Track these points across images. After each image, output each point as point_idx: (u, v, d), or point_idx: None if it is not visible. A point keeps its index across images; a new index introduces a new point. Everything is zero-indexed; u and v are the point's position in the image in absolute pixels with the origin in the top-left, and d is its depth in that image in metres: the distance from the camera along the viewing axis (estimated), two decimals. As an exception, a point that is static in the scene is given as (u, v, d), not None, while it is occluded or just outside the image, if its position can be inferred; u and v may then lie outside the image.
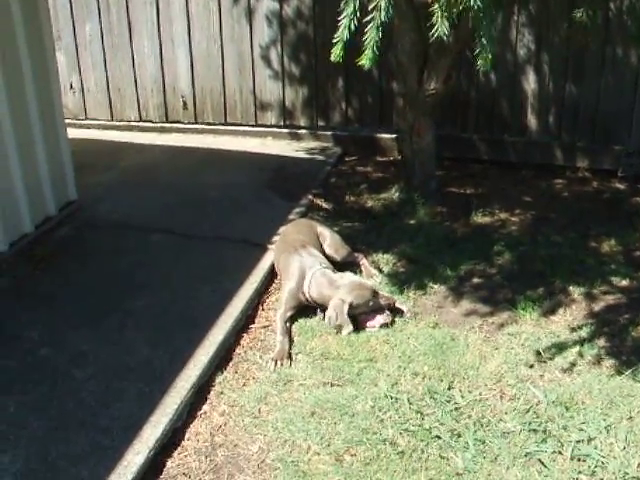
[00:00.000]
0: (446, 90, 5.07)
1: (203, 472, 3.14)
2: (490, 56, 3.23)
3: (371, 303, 4.06)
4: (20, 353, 3.73)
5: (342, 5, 3.39)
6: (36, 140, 4.96)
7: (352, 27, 3.29)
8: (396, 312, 4.21)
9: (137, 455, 3.06)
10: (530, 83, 6.10)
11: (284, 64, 6.60)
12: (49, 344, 3.80)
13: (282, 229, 4.83)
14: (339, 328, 4.01)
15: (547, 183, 6.08)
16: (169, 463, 3.18)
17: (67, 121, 6.74)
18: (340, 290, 4.04)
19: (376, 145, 6.59)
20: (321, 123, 6.75)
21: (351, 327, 4.00)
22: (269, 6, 6.43)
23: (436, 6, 3.19)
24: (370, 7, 3.29)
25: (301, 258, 4.27)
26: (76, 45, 6.93)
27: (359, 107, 6.59)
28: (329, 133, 6.73)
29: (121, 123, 7.13)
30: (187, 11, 6.58)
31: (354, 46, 3.42)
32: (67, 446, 3.11)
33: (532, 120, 6.21)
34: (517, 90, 6.15)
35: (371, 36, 3.22)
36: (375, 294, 4.11)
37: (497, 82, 6.17)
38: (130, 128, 7.09)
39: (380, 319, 4.10)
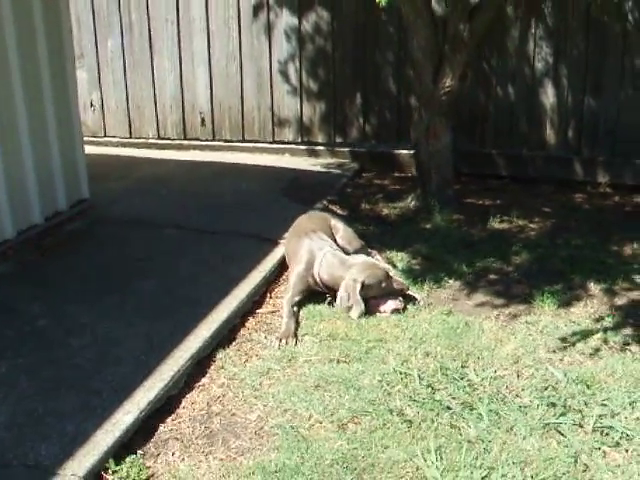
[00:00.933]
0: (461, 88, 5.01)
1: (196, 437, 2.97)
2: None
3: (384, 284, 3.91)
4: (18, 324, 3.62)
5: None
6: (50, 136, 4.98)
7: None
8: (409, 300, 4.06)
9: (127, 415, 2.92)
10: (549, 97, 6.03)
11: (302, 80, 6.61)
12: (48, 317, 3.70)
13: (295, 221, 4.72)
14: (350, 309, 3.85)
15: (567, 197, 5.93)
16: (161, 428, 3.02)
17: (86, 139, 6.83)
18: (352, 269, 3.90)
19: (394, 161, 6.52)
20: (338, 139, 6.71)
21: (363, 308, 3.83)
22: (288, 21, 6.49)
23: None
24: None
25: (311, 241, 4.15)
26: (98, 63, 7.02)
27: (377, 123, 6.56)
28: (346, 149, 6.68)
29: (139, 140, 7.15)
30: (207, 28, 6.66)
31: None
32: (55, 404, 2.98)
33: (551, 134, 6.12)
34: (535, 104, 6.09)
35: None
36: (388, 277, 3.96)
37: (515, 96, 6.11)
38: (148, 145, 7.10)
39: (392, 304, 3.94)
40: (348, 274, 3.88)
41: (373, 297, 3.92)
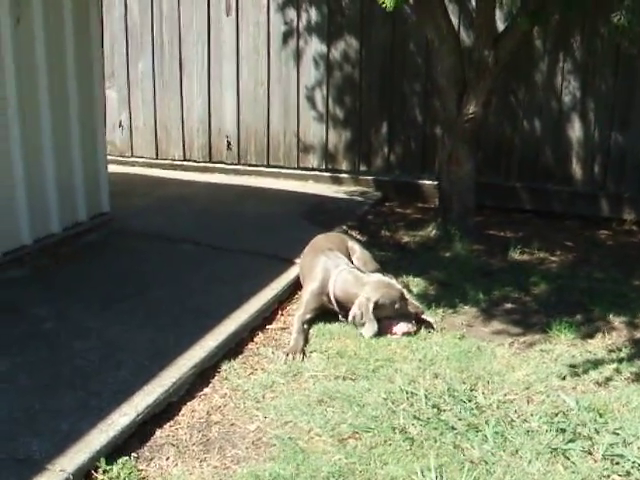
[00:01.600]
0: (485, 115, 4.98)
1: (193, 444, 2.91)
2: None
3: (397, 305, 3.83)
4: (24, 325, 3.63)
5: None
6: (73, 147, 5.06)
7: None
8: (422, 324, 3.97)
9: (124, 416, 2.88)
10: (575, 131, 5.97)
11: (329, 107, 6.64)
12: (55, 319, 3.70)
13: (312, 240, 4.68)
14: (362, 327, 3.79)
15: (591, 233, 5.83)
16: (158, 432, 2.97)
17: (113, 158, 6.94)
18: (366, 287, 3.85)
19: (417, 191, 6.48)
20: (363, 168, 6.70)
21: (376, 327, 3.77)
22: (317, 48, 6.55)
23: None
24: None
25: (327, 259, 4.10)
26: (128, 83, 7.13)
27: (402, 153, 6.54)
28: (370, 178, 6.66)
29: (165, 161, 7.21)
30: (237, 52, 6.74)
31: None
32: (53, 402, 2.96)
33: (577, 169, 6.04)
34: (562, 138, 6.02)
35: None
36: (403, 298, 3.89)
37: (541, 129, 6.06)
38: (174, 167, 7.16)
39: (404, 327, 3.86)
40: (362, 292, 3.83)
41: (386, 317, 3.86)
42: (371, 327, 3.77)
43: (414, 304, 3.99)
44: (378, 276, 4.00)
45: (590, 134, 5.94)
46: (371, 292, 3.82)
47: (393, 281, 4.03)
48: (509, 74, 5.80)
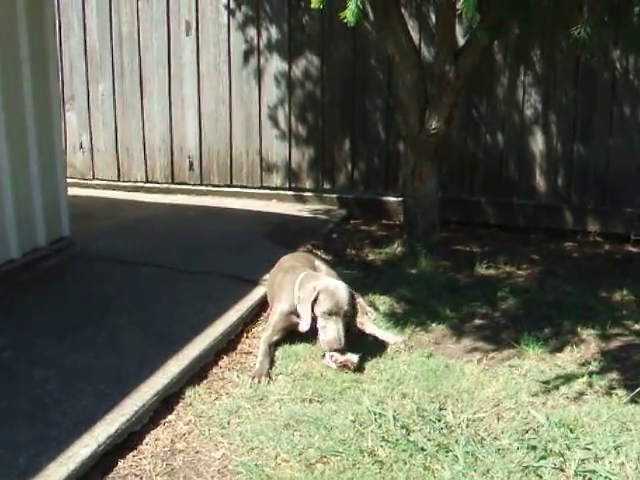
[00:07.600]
0: (448, 131, 4.97)
1: (157, 474, 2.81)
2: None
3: (334, 316, 3.68)
4: (-21, 355, 3.50)
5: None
6: (31, 170, 4.92)
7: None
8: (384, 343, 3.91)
9: (84, 448, 2.77)
10: (538, 144, 6.01)
11: (291, 125, 6.61)
12: (12, 348, 3.57)
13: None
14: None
15: (557, 245, 5.86)
16: (121, 463, 2.86)
17: (74, 181, 6.82)
18: (318, 280, 3.87)
19: (382, 208, 6.45)
20: (327, 185, 6.66)
21: (309, 322, 3.74)
22: (278, 66, 6.52)
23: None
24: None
25: (294, 276, 4.04)
26: (88, 105, 7.03)
27: (365, 169, 6.52)
28: (334, 196, 6.63)
29: (127, 184, 7.10)
30: (198, 72, 6.69)
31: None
32: (9, 435, 2.84)
33: (541, 182, 6.07)
34: (525, 151, 6.06)
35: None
36: (348, 315, 3.74)
37: (504, 143, 6.09)
38: (136, 189, 7.06)
39: (340, 359, 3.66)
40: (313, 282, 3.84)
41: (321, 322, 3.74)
42: (305, 320, 3.75)
43: (365, 308, 4.05)
44: (333, 282, 3.93)
45: (553, 147, 5.98)
46: (319, 284, 3.78)
47: (344, 293, 3.80)
48: (471, 88, 5.83)
